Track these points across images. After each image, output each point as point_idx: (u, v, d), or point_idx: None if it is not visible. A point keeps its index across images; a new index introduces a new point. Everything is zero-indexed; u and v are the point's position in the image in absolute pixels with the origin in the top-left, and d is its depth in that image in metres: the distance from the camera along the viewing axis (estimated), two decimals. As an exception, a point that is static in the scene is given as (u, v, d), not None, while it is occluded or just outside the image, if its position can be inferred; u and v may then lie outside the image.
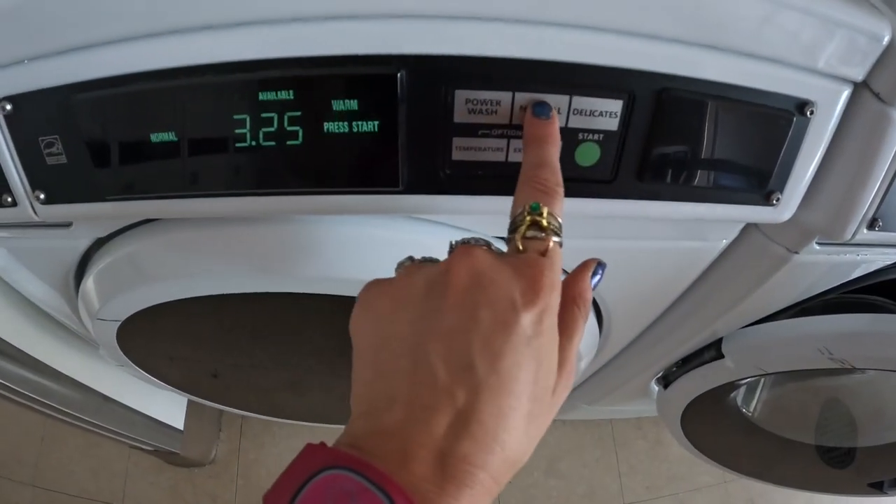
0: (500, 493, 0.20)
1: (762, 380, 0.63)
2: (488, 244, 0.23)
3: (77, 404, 0.69)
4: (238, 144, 0.28)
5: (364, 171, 0.29)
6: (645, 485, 1.05)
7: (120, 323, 0.45)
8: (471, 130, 0.28)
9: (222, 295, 0.40)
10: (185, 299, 0.41)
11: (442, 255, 0.25)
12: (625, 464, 1.06)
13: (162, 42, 0.26)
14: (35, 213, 0.32)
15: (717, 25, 0.26)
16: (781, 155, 0.30)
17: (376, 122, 0.27)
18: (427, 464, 0.18)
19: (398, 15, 0.25)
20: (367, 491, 0.17)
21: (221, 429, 1.05)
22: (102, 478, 1.02)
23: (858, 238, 0.34)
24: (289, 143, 0.28)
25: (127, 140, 0.29)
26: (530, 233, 0.22)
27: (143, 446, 0.89)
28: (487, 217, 0.35)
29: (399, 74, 0.26)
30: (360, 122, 0.27)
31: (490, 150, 0.28)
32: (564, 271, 0.26)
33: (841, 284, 0.44)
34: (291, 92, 0.27)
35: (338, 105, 0.27)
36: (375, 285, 0.24)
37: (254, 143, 0.28)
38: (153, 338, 0.53)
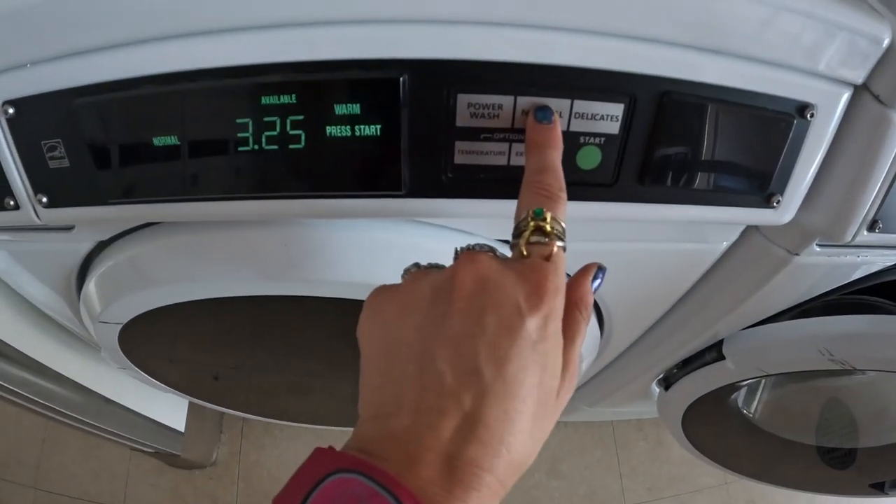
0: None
1: (763, 381, 0.63)
2: (493, 250, 0.23)
3: (78, 406, 0.69)
4: (240, 148, 0.28)
5: (366, 175, 0.29)
6: (646, 486, 1.05)
7: (122, 326, 0.45)
8: (473, 134, 0.28)
9: (224, 298, 0.40)
10: (187, 302, 0.41)
11: (446, 259, 0.25)
12: (626, 465, 1.06)
13: (164, 46, 0.26)
14: (37, 216, 0.32)
15: (717, 29, 0.27)
16: (782, 157, 0.31)
17: (379, 126, 0.27)
18: (434, 467, 0.19)
19: (401, 20, 0.25)
20: (377, 495, 0.17)
21: (222, 431, 1.05)
22: (103, 480, 1.02)
23: (859, 240, 0.34)
24: (291, 146, 0.28)
25: (129, 143, 0.29)
26: (534, 238, 0.22)
27: (145, 448, 0.89)
28: (490, 221, 0.35)
29: (402, 79, 0.26)
30: (362, 126, 0.27)
31: (492, 154, 0.29)
32: (567, 275, 0.26)
33: (841, 286, 0.44)
34: (294, 96, 0.27)
35: (340, 109, 0.27)
36: (382, 291, 0.24)
37: (256, 146, 0.28)
38: (155, 340, 0.53)
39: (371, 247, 0.35)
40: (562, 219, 0.23)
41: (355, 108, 0.27)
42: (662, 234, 0.38)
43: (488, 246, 0.23)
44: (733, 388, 0.57)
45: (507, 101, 0.27)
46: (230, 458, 1.03)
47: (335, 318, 0.47)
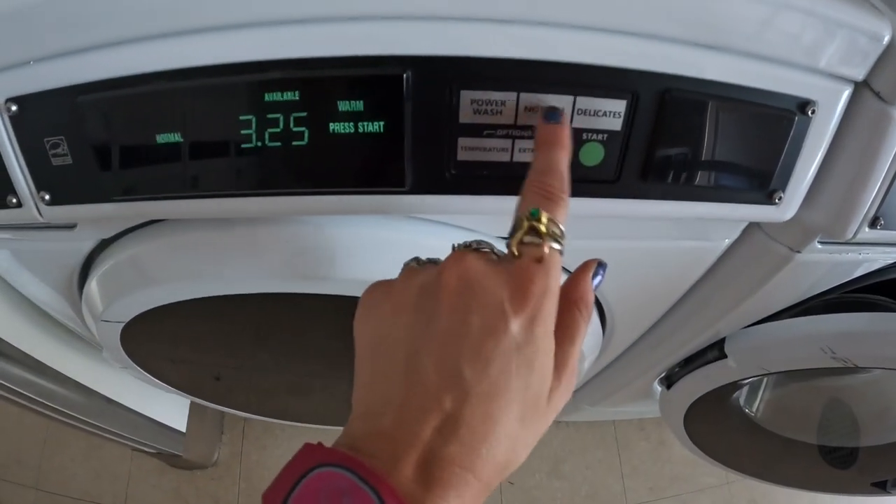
0: (504, 494, 0.20)
1: (765, 380, 0.63)
2: (491, 247, 0.23)
3: (80, 406, 0.69)
4: (244, 145, 0.28)
5: (369, 172, 0.29)
6: (648, 486, 1.05)
7: (124, 325, 0.46)
8: (476, 131, 0.28)
9: (225, 297, 0.40)
10: (189, 302, 0.41)
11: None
12: (628, 465, 1.06)
13: (167, 43, 0.26)
14: (40, 213, 0.32)
15: (718, 26, 0.27)
16: (783, 154, 0.31)
17: (382, 123, 0.27)
18: (416, 465, 0.19)
19: (404, 16, 0.25)
20: (359, 489, 0.18)
21: (224, 431, 1.05)
22: (104, 480, 1.02)
23: (860, 237, 0.34)
24: (294, 143, 0.28)
25: (132, 141, 0.29)
26: (528, 238, 0.22)
27: (146, 449, 0.89)
28: (493, 217, 0.35)
29: (405, 75, 0.26)
30: (365, 123, 0.27)
31: (495, 151, 0.29)
32: (567, 270, 0.26)
33: (843, 284, 0.44)
34: (297, 93, 0.27)
35: (344, 106, 0.27)
36: (377, 288, 0.24)
37: (259, 143, 0.28)
38: (156, 340, 0.53)
39: (374, 244, 0.35)
40: (560, 221, 0.23)
41: (358, 105, 0.27)
42: (664, 231, 0.39)
43: (486, 243, 0.23)
44: (735, 386, 0.57)
45: (509, 97, 0.27)
46: (231, 459, 1.03)
47: (336, 318, 0.47)
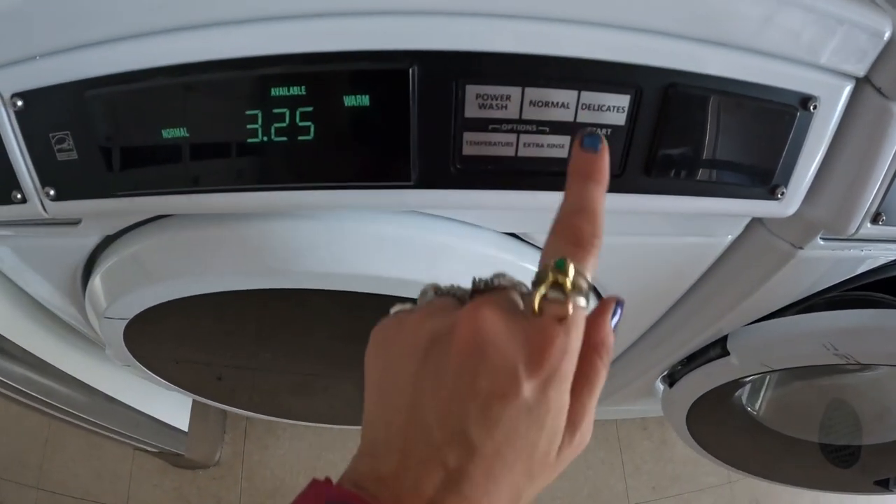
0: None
1: (767, 378, 0.63)
2: (514, 287, 0.22)
3: (82, 405, 0.69)
4: (249, 140, 0.28)
5: (375, 167, 0.29)
6: (650, 485, 1.05)
7: (127, 322, 0.46)
8: (481, 125, 0.28)
9: (228, 297, 0.40)
10: (192, 300, 0.41)
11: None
12: (630, 464, 1.06)
13: (173, 38, 0.26)
14: (44, 209, 0.32)
15: (722, 22, 0.27)
16: (786, 149, 0.31)
17: (388, 118, 0.27)
18: None
19: (410, 11, 0.25)
20: None
21: (226, 431, 1.05)
22: (106, 480, 1.02)
23: (862, 233, 0.34)
24: (300, 138, 0.28)
25: (138, 136, 0.29)
26: (551, 294, 0.20)
27: (148, 448, 0.89)
28: (496, 212, 0.36)
29: (411, 70, 0.26)
30: (371, 118, 0.27)
31: (500, 145, 0.29)
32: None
33: (845, 281, 0.44)
34: (303, 87, 0.27)
35: (350, 100, 0.27)
36: (389, 324, 0.23)
37: (265, 138, 0.28)
38: (159, 338, 0.53)
39: (380, 239, 0.35)
40: (589, 271, 0.21)
41: (364, 100, 0.27)
42: (668, 227, 0.39)
43: (507, 280, 0.22)
44: (737, 384, 0.57)
45: (514, 91, 0.27)
46: (233, 458, 1.03)
47: (337, 318, 0.47)
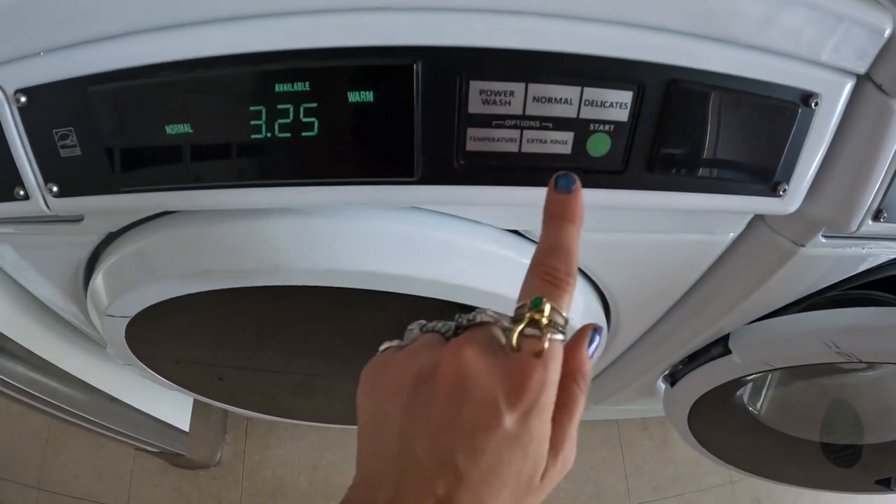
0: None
1: (768, 378, 0.63)
2: (496, 322, 0.23)
3: (83, 405, 0.69)
4: (253, 136, 0.28)
5: (379, 162, 0.29)
6: (652, 485, 1.05)
7: (129, 320, 0.46)
8: (485, 121, 0.28)
9: (230, 294, 0.40)
10: (194, 297, 0.41)
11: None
12: (631, 464, 1.06)
13: (177, 34, 0.26)
14: (47, 206, 0.32)
15: (724, 18, 0.27)
16: (787, 146, 0.31)
17: (392, 113, 0.28)
18: None
19: (414, 7, 0.26)
20: None
21: (227, 431, 1.05)
22: (107, 480, 1.02)
23: (864, 230, 0.34)
24: (304, 134, 0.28)
25: (142, 132, 0.29)
26: (528, 330, 0.22)
27: (149, 448, 0.89)
28: (499, 208, 0.36)
29: (415, 65, 0.26)
30: (375, 113, 0.28)
31: (503, 141, 0.29)
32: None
33: (846, 279, 0.44)
34: (307, 83, 0.27)
35: (354, 96, 0.27)
36: (377, 365, 0.25)
37: (269, 134, 0.28)
38: (161, 337, 0.53)
39: (383, 236, 0.35)
40: (564, 308, 0.22)
41: (368, 96, 0.27)
42: (670, 224, 0.39)
43: (490, 316, 0.23)
44: (739, 383, 0.57)
45: (518, 87, 0.27)
46: (234, 458, 1.03)
47: (339, 317, 0.47)
